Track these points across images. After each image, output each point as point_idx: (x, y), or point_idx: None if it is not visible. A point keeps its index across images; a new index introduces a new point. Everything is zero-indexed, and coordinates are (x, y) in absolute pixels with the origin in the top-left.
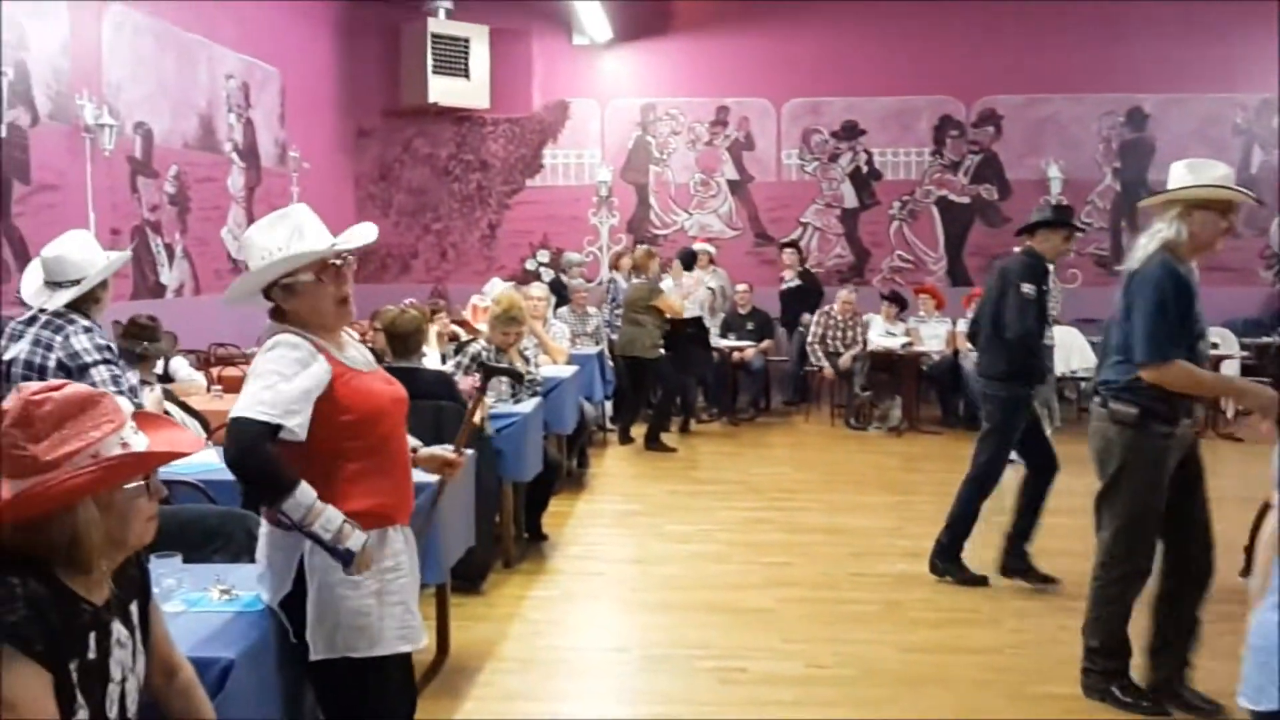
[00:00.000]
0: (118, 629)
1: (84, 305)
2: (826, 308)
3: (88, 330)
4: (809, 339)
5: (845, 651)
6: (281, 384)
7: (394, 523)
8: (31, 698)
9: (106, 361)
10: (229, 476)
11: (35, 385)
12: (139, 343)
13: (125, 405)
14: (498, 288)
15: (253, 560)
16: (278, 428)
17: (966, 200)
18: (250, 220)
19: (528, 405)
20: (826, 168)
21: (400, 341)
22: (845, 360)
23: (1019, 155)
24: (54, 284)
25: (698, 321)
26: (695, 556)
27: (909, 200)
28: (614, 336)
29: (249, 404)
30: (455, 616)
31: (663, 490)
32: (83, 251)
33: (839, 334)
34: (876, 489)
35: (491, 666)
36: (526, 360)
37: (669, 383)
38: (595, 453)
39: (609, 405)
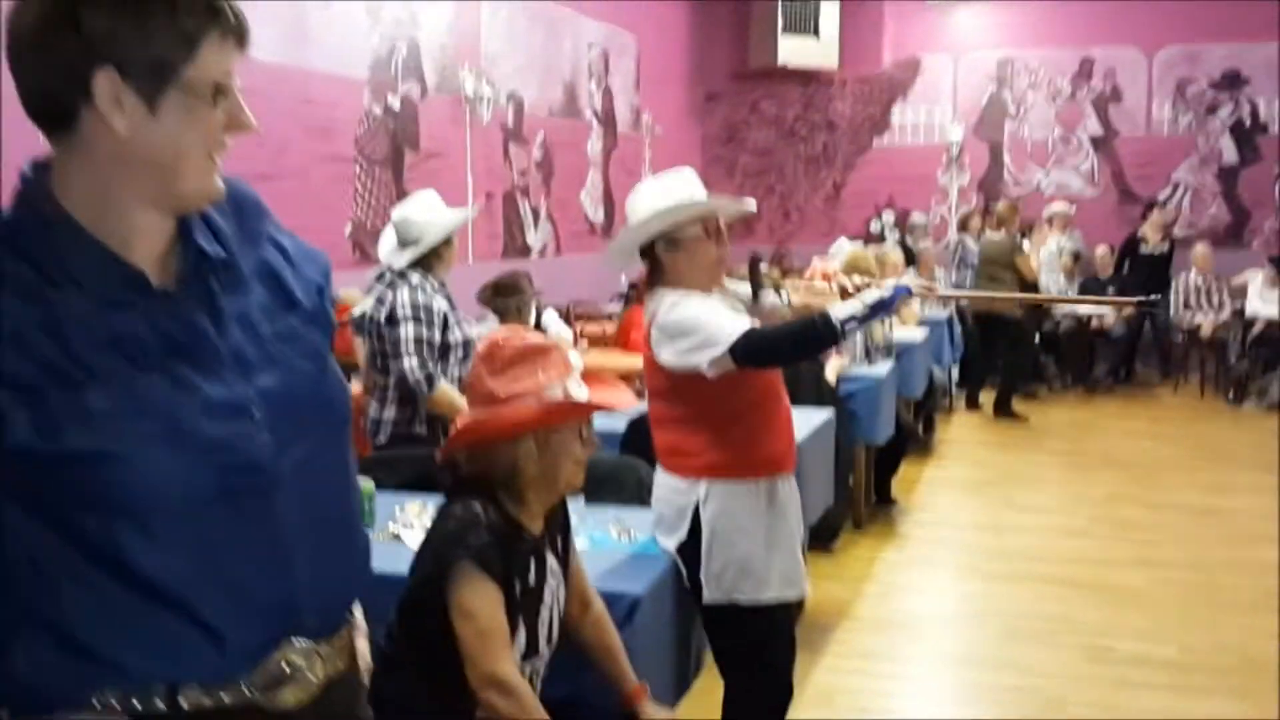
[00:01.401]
0: (550, 559)
1: (426, 262)
2: (1186, 272)
3: (413, 287)
4: (1172, 308)
5: (1223, 639)
6: (722, 310)
7: (783, 470)
8: (489, 611)
9: (415, 319)
10: (616, 428)
11: (505, 329)
12: (498, 300)
13: (575, 360)
14: (845, 249)
15: (642, 504)
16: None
17: None
18: (606, 184)
19: (881, 368)
20: (1203, 120)
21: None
22: (1207, 328)
23: None
24: (403, 244)
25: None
26: (1052, 529)
27: None
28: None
29: (730, 330)
30: (809, 574)
31: (1014, 459)
32: (425, 212)
33: (1204, 298)
34: (1254, 469)
35: (846, 625)
36: (882, 320)
37: (1024, 345)
38: (942, 418)
39: (955, 370)
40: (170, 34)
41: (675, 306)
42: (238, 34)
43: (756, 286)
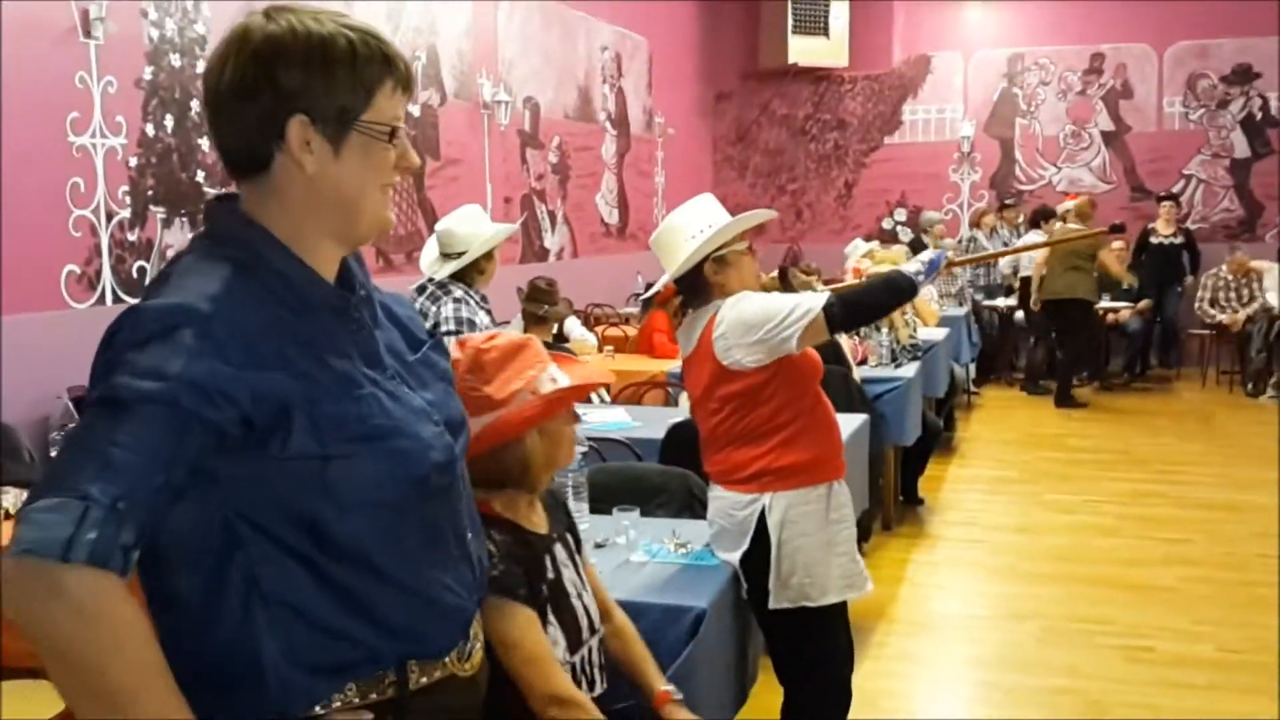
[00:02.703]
0: (559, 550)
1: (468, 276)
2: (1215, 269)
3: (457, 301)
4: (1197, 302)
5: (1261, 637)
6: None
7: (838, 476)
8: (531, 635)
9: (459, 334)
10: (651, 434)
11: (479, 336)
12: (540, 305)
13: (540, 347)
14: (860, 249)
15: (693, 514)
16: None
17: None
18: (621, 186)
19: (909, 369)
20: (1214, 115)
21: None
22: (1237, 319)
23: None
24: (445, 255)
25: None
26: (1082, 528)
27: None
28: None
29: (814, 299)
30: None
31: (1038, 457)
32: (468, 225)
33: (1231, 294)
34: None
35: (884, 628)
36: (907, 323)
37: (1093, 334)
38: (961, 416)
39: (973, 368)
40: (351, 84)
41: (741, 301)
42: (406, 83)
43: (788, 290)
